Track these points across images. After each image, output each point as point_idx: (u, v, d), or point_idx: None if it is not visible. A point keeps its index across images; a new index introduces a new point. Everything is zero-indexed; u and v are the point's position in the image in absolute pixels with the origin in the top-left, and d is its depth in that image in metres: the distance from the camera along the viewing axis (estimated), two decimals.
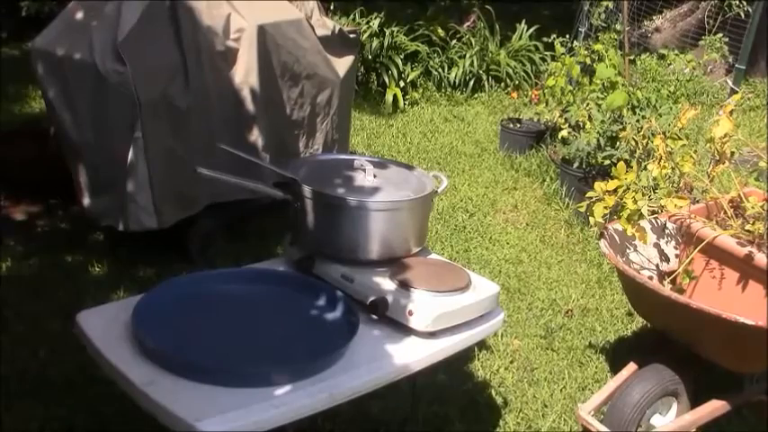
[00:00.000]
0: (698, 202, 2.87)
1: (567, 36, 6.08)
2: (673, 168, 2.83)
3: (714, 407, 2.72)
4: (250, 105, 3.58)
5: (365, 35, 6.50)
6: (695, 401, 2.75)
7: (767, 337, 2.41)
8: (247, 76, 3.54)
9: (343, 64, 4.04)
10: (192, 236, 3.62)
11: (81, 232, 3.79)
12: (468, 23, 7.36)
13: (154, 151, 3.26)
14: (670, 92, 5.29)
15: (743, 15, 6.71)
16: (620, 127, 4.41)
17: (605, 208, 2.78)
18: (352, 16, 6.82)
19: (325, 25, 3.98)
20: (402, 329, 1.97)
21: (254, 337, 1.89)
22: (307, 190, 2.15)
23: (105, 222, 3.43)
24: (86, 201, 3.45)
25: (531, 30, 7.28)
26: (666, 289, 2.64)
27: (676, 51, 6.52)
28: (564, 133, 4.80)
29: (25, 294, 3.31)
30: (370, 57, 6.54)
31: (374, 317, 1.98)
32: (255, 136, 3.64)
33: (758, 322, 2.37)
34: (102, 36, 3.24)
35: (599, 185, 2.81)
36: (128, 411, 1.70)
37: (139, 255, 3.61)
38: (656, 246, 3.00)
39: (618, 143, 4.39)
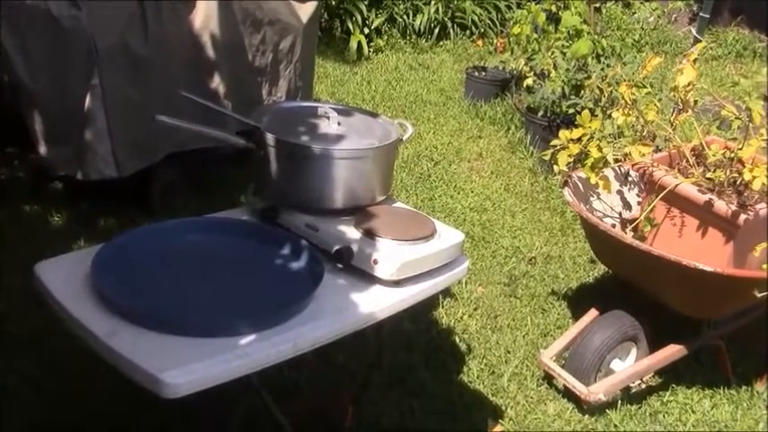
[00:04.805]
0: (660, 150, 2.89)
1: None
2: (637, 117, 2.84)
3: (671, 351, 2.79)
4: (210, 52, 3.50)
5: None
6: (654, 346, 2.81)
7: (725, 283, 2.46)
8: (207, 22, 3.45)
9: (305, 10, 3.96)
10: (154, 185, 3.57)
11: (39, 182, 3.70)
12: None
13: (112, 99, 3.18)
14: (635, 40, 5.30)
15: None
16: (585, 75, 4.40)
17: (569, 156, 2.79)
18: None
19: None
20: (367, 278, 1.96)
21: (217, 287, 1.87)
22: (270, 138, 2.11)
23: (64, 171, 3.36)
24: (43, 149, 3.36)
25: None
26: (628, 236, 2.68)
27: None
28: (529, 82, 4.78)
29: None
30: (333, 2, 6.41)
31: (339, 266, 1.97)
32: (217, 83, 3.56)
33: (716, 269, 2.42)
34: None
35: (563, 134, 2.82)
36: (91, 364, 1.68)
37: (100, 205, 3.55)
38: (619, 194, 3.03)
39: (582, 92, 4.39)
